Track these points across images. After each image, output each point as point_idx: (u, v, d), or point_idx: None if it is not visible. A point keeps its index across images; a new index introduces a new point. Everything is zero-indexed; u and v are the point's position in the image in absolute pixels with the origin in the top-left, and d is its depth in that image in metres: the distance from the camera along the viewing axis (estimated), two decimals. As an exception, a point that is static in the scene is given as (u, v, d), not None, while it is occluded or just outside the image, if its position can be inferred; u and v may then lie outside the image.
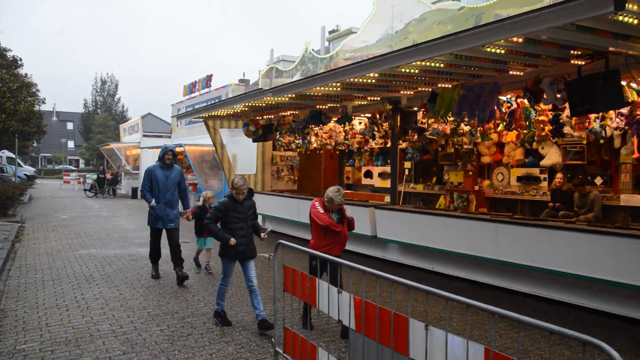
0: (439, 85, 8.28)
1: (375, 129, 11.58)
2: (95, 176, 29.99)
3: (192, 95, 22.46)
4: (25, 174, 38.42)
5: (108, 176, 28.60)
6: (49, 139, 62.85)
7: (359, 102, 10.69)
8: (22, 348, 5.20)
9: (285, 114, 12.43)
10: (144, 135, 27.65)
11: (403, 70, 6.94)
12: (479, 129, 9.69)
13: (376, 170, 14.71)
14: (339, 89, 8.46)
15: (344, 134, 12.86)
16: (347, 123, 11.30)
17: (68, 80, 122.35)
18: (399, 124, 10.25)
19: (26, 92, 20.08)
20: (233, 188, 6.02)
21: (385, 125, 11.07)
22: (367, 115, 11.71)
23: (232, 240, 5.86)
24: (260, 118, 13.25)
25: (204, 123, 14.11)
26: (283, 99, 9.71)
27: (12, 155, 34.26)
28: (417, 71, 7.07)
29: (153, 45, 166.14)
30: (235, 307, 6.76)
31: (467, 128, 10.23)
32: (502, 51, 5.96)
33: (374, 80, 7.73)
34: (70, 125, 79.13)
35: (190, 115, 12.98)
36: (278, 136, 13.61)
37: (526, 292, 7.68)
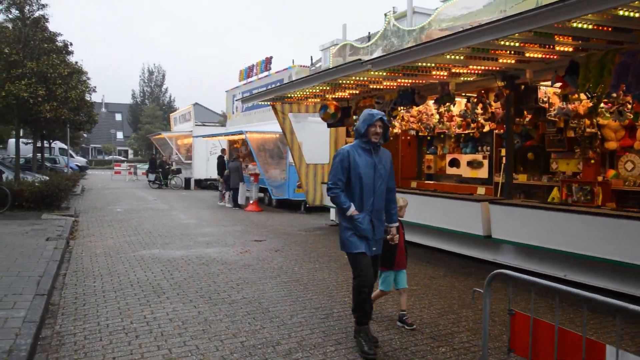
0: (582, 53, 6.51)
1: (478, 110, 9.84)
2: (147, 166, 29.09)
3: (249, 79, 21.06)
4: (77, 165, 38.21)
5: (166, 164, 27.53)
6: (99, 130, 63.17)
7: (464, 79, 8.97)
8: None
9: (369, 94, 10.82)
10: (197, 125, 26.53)
11: (575, 24, 5.21)
12: (632, 106, 7.80)
13: (464, 158, 12.94)
14: (462, 57, 6.77)
15: (437, 117, 11.12)
16: (446, 104, 9.57)
17: (115, 73, 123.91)
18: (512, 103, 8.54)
19: (77, 79, 19.10)
20: None
21: (495, 105, 9.31)
22: (468, 94, 9.96)
23: None
24: (337, 100, 11.68)
25: (271, 107, 12.65)
26: (379, 73, 8.10)
27: (64, 146, 33.93)
28: (590, 27, 5.32)
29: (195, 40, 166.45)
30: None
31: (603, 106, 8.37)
32: None
33: (517, 44, 6.02)
34: (118, 117, 79.80)
35: (262, 96, 11.48)
36: (355, 120, 12.01)
37: None
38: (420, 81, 9.17)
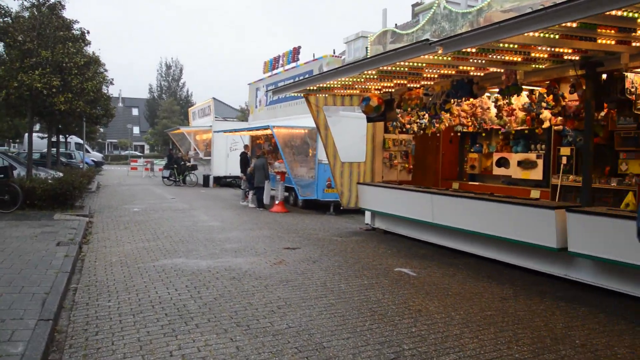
0: None
1: (544, 104, 8.60)
2: (164, 162, 28.13)
3: (275, 71, 19.95)
4: (93, 160, 37.49)
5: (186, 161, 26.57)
6: (115, 124, 62.54)
7: (536, 66, 7.75)
8: None
9: (416, 85, 9.63)
10: (217, 119, 25.48)
11: None
12: None
13: (514, 157, 11.66)
14: (557, 35, 5.56)
15: (495, 110, 9.88)
16: (512, 96, 8.36)
17: (132, 67, 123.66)
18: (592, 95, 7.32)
19: (94, 70, 18.16)
20: None
21: (570, 98, 8.08)
22: (532, 85, 8.74)
23: None
24: (379, 91, 10.51)
25: (304, 100, 11.50)
26: (444, 58, 6.93)
27: (80, 141, 33.16)
28: None
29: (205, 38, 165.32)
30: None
31: None
32: None
33: (636, 14, 4.80)
34: (135, 111, 79.30)
35: (302, 84, 10.24)
36: (399, 114, 10.84)
37: None
38: (484, 69, 7.97)
